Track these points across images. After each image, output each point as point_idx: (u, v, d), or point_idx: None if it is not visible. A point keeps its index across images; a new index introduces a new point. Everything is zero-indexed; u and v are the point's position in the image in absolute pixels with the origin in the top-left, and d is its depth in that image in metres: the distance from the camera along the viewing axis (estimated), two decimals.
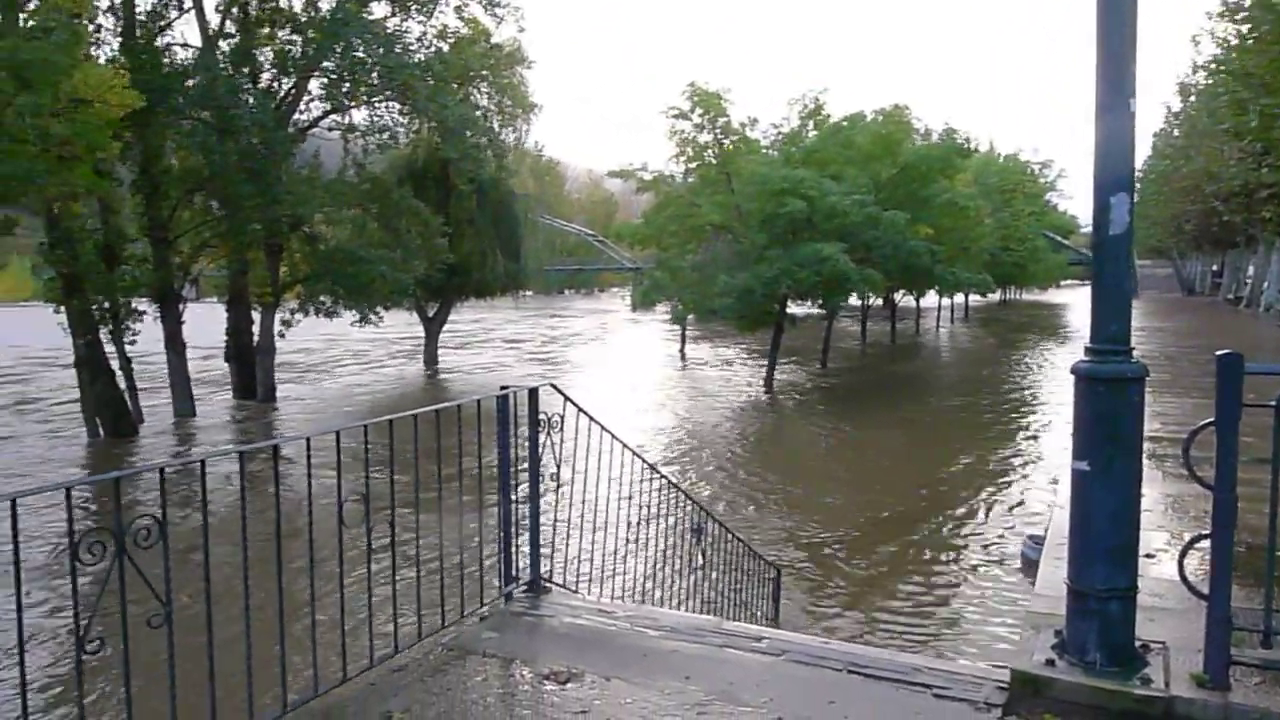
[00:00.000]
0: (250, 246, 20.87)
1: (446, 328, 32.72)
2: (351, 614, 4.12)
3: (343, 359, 31.81)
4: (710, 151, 23.91)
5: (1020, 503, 13.13)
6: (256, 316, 22.63)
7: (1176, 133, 45.76)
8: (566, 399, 4.54)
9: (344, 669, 3.53)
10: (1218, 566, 3.04)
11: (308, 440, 3.39)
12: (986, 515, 12.77)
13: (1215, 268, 60.79)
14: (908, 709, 3.30)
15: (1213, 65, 28.24)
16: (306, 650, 3.48)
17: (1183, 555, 3.23)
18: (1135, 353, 3.28)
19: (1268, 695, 3.02)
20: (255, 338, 22.62)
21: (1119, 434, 3.19)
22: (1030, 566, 5.57)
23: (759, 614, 8.22)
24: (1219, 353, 3.00)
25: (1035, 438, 17.23)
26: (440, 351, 31.35)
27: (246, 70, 20.03)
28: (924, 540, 11.67)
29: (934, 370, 32.72)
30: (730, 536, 7.78)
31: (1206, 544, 3.10)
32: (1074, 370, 3.29)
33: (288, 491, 3.81)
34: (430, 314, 30.39)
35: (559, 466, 4.46)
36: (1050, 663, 3.30)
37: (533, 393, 4.33)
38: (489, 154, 25.29)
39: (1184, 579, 3.20)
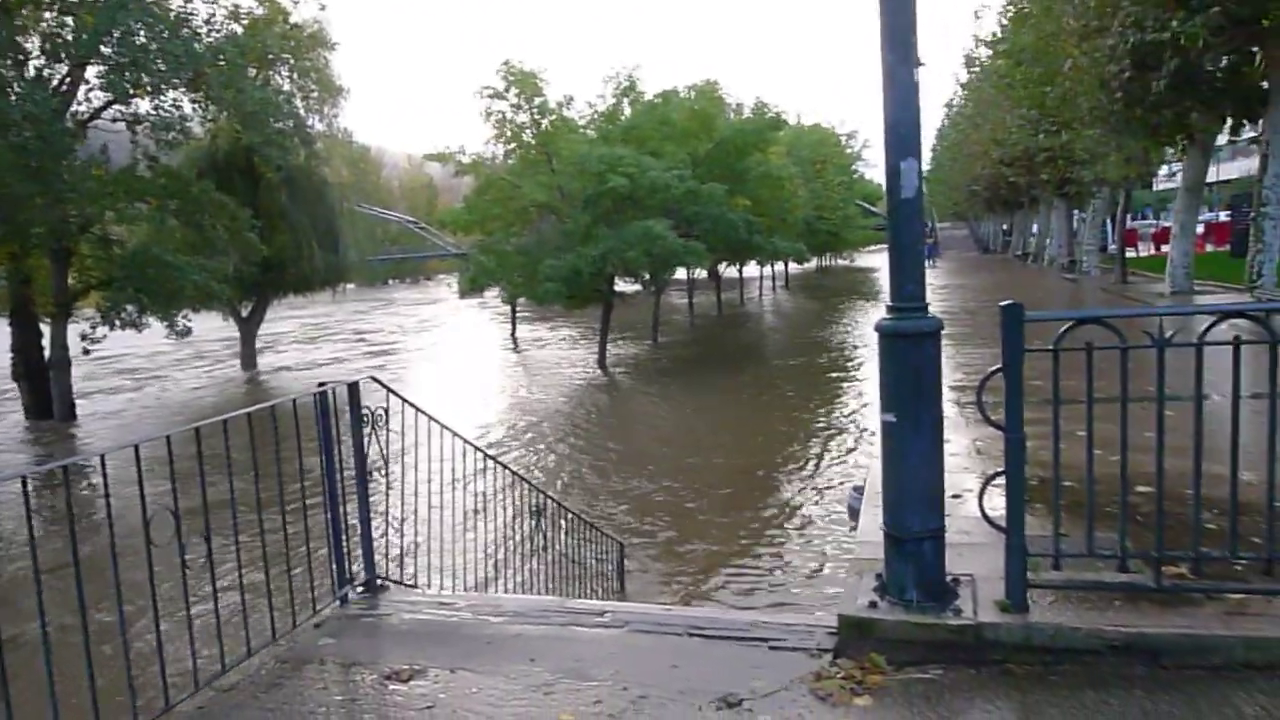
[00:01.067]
0: (33, 252, 19.03)
1: (265, 327, 31.12)
2: (172, 638, 3.88)
3: (154, 369, 29.69)
4: (528, 132, 23.74)
5: (852, 452, 13.83)
6: (48, 330, 20.71)
7: (966, 103, 49.04)
8: (389, 391, 4.41)
9: (165, 697, 3.31)
10: (1012, 501, 3.31)
11: (102, 457, 3.14)
12: (819, 469, 13.39)
13: (1005, 227, 65.73)
14: (746, 663, 3.42)
15: (992, 38, 30.50)
16: (122, 683, 3.24)
17: (982, 493, 3.49)
18: (933, 308, 3.51)
19: (1060, 612, 3.33)
20: (47, 352, 20.71)
21: (921, 385, 3.41)
22: (855, 515, 5.88)
23: (605, 589, 8.31)
24: (1002, 304, 3.25)
25: (861, 394, 18.18)
26: (261, 353, 29.80)
27: (11, 58, 18.16)
28: (763, 500, 12.12)
29: (761, 337, 33.93)
30: (571, 515, 7.81)
31: (1003, 481, 3.37)
32: (877, 328, 3.48)
33: (94, 514, 3.52)
34: (245, 314, 28.76)
35: (386, 461, 4.34)
36: (873, 604, 3.50)
37: (353, 387, 4.18)
38: (295, 141, 24.05)
39: (984, 515, 3.46)
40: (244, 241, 21.45)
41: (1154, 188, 45.72)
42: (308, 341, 37.07)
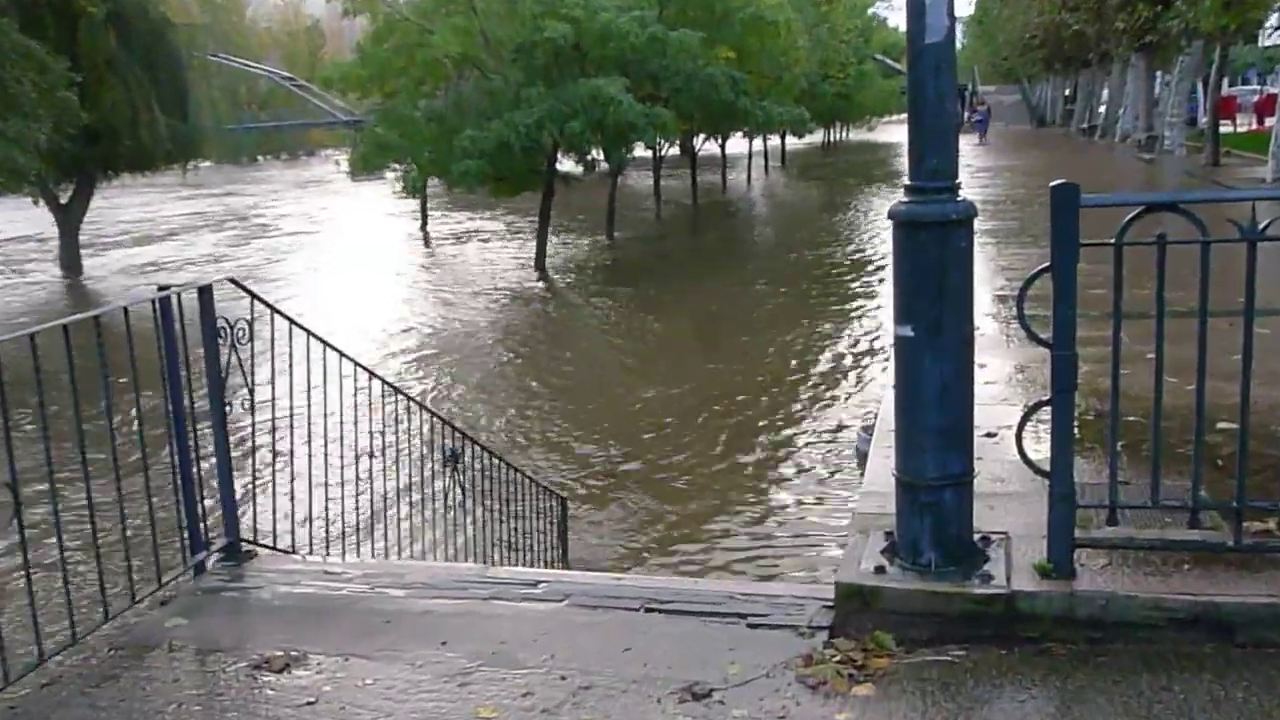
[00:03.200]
0: None
1: (91, 217, 30.45)
2: None
3: None
4: None
5: (862, 386, 14.03)
6: None
7: None
8: (254, 297, 4.36)
9: None
10: (1057, 437, 3.38)
11: None
12: (817, 405, 13.58)
13: (1067, 92, 65.86)
14: (718, 644, 3.50)
15: None
16: None
17: (1020, 427, 3.55)
18: (972, 197, 3.52)
19: (1114, 577, 3.42)
20: None
21: (946, 289, 3.43)
22: (864, 461, 6.01)
23: (543, 555, 8.43)
24: (1053, 184, 3.27)
25: (876, 312, 18.33)
26: (89, 251, 29.24)
27: None
28: (747, 443, 12.28)
29: (746, 235, 33.96)
30: (498, 463, 7.86)
31: (1048, 414, 3.43)
32: (891, 215, 3.49)
33: None
34: (64, 200, 28.09)
35: (251, 391, 4.30)
36: (880, 570, 3.58)
37: (204, 292, 4.12)
38: None
39: (1023, 454, 3.53)
40: (58, 102, 20.79)
41: (1260, 42, 45.80)
42: (149, 236, 36.41)
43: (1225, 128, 33.40)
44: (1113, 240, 3.28)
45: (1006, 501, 4.05)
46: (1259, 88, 52.45)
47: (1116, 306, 3.36)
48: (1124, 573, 3.45)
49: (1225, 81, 33.46)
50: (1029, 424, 3.59)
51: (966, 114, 66.70)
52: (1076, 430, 3.63)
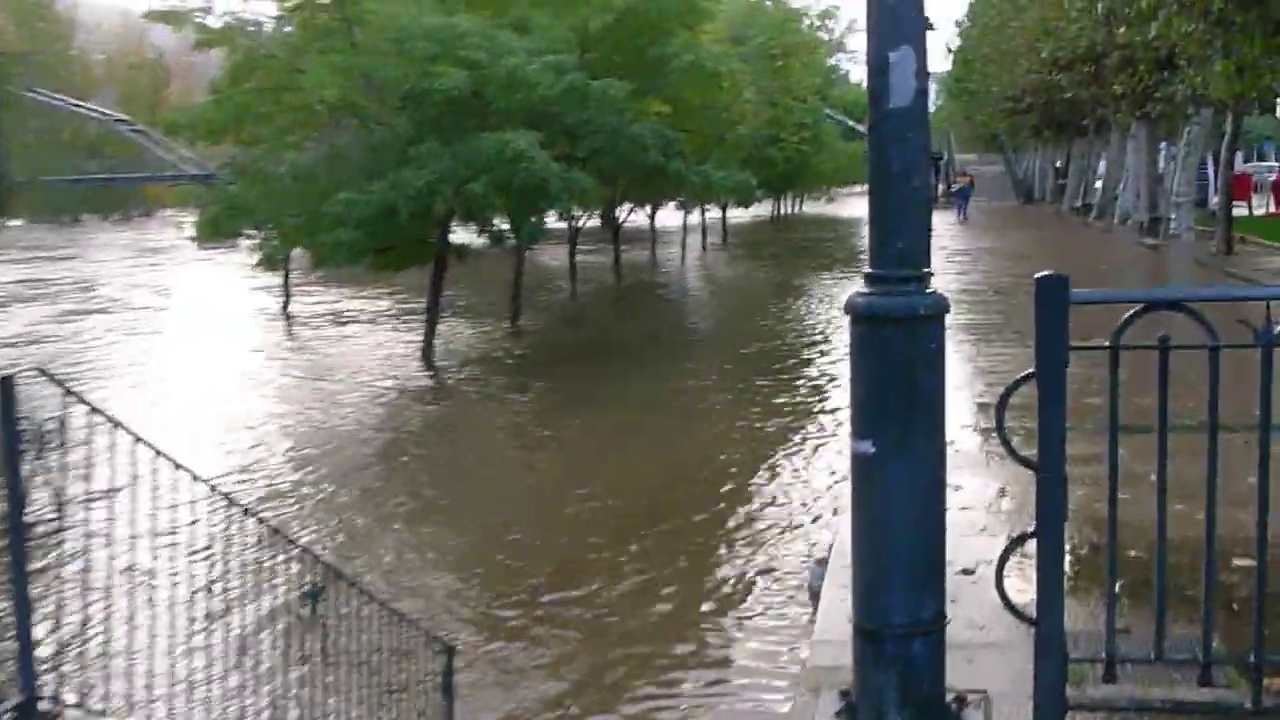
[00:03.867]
0: None
1: None
2: None
3: None
4: None
5: (809, 505, 14.07)
6: None
7: None
8: (68, 391, 4.28)
9: None
10: (1045, 577, 3.42)
11: None
12: (754, 526, 13.55)
13: (1058, 164, 67.86)
14: None
15: None
16: None
17: (1001, 564, 3.60)
18: (949, 285, 3.60)
19: None
20: None
21: (914, 397, 3.49)
22: (816, 599, 6.03)
23: (423, 716, 8.26)
24: (1037, 276, 3.35)
25: (828, 421, 18.47)
26: None
27: None
28: (669, 573, 12.20)
29: (680, 324, 34.11)
30: (370, 602, 7.72)
31: (1034, 548, 3.48)
32: (849, 308, 3.55)
33: None
34: None
35: (62, 508, 4.20)
36: None
37: (4, 384, 4.04)
38: None
39: (1004, 598, 3.57)
40: None
41: (1277, 113, 47.80)
42: None
43: (1239, 209, 34.50)
44: (1108, 343, 3.36)
45: (986, 653, 4.08)
46: (1277, 164, 54.28)
47: (1113, 419, 3.43)
48: None
49: (1239, 156, 34.70)
50: (1012, 559, 3.64)
51: (941, 186, 68.45)
52: (1068, 567, 3.68)
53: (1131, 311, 3.38)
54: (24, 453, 4.10)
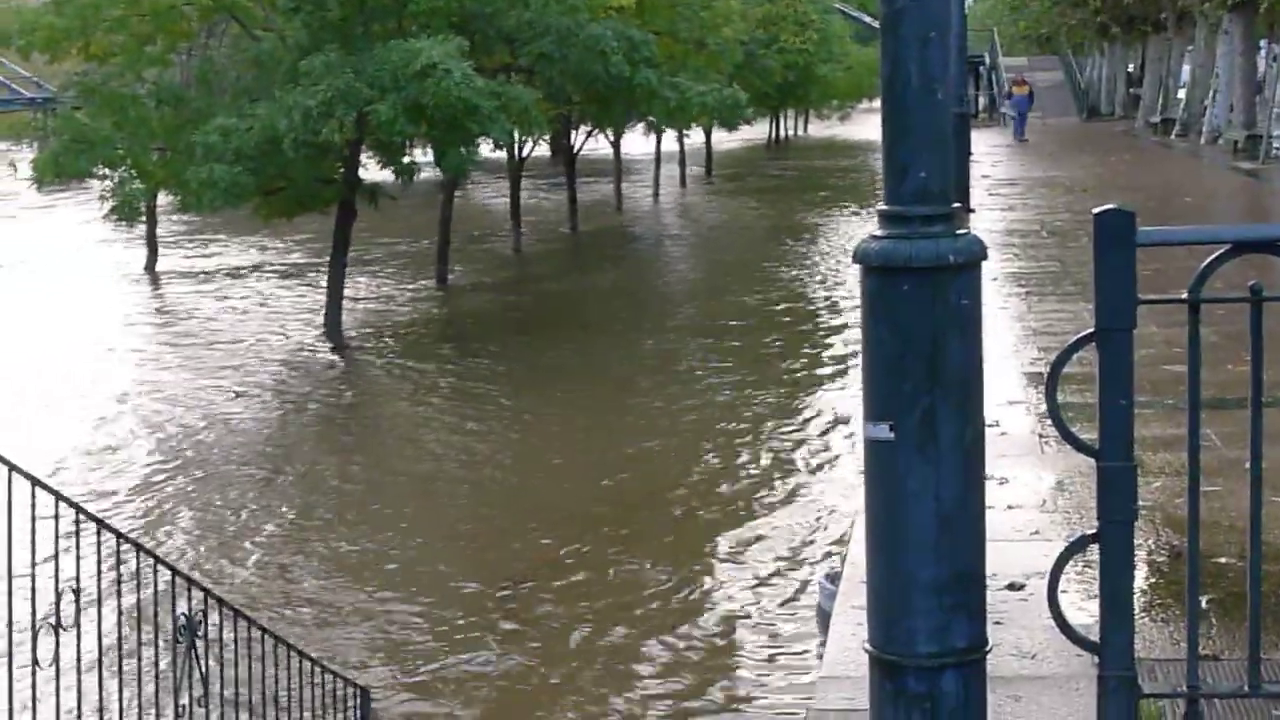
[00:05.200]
0: None
1: None
2: None
3: None
4: None
5: (819, 521, 14.11)
6: None
7: None
8: None
9: None
10: (1110, 592, 3.41)
11: None
12: (747, 521, 13.64)
13: (1131, 70, 67.85)
14: None
15: None
16: None
17: (1054, 576, 3.59)
18: (991, 227, 3.59)
19: None
20: None
21: (942, 368, 3.46)
22: (826, 623, 6.04)
23: None
24: (1096, 210, 3.34)
25: (836, 407, 18.49)
26: None
27: None
28: (633, 587, 12.28)
29: (647, 282, 33.97)
30: (261, 635, 7.75)
31: (1096, 556, 3.48)
32: (859, 256, 3.52)
33: None
34: None
35: None
36: None
37: None
38: None
39: (1059, 620, 3.56)
40: None
41: None
42: None
43: None
44: (1186, 296, 3.35)
45: (1038, 688, 4.08)
46: None
47: (1193, 392, 3.43)
48: None
49: None
50: (1070, 569, 3.64)
51: (983, 99, 68.45)
52: (1140, 579, 3.69)
53: (1216, 254, 3.36)
54: None
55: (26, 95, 61.42)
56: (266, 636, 7.85)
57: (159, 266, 33.91)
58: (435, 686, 10.85)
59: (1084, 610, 3.61)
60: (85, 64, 26.28)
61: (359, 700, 9.01)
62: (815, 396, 19.00)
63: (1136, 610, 3.51)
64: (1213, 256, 3.36)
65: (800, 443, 16.81)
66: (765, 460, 16.45)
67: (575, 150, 39.50)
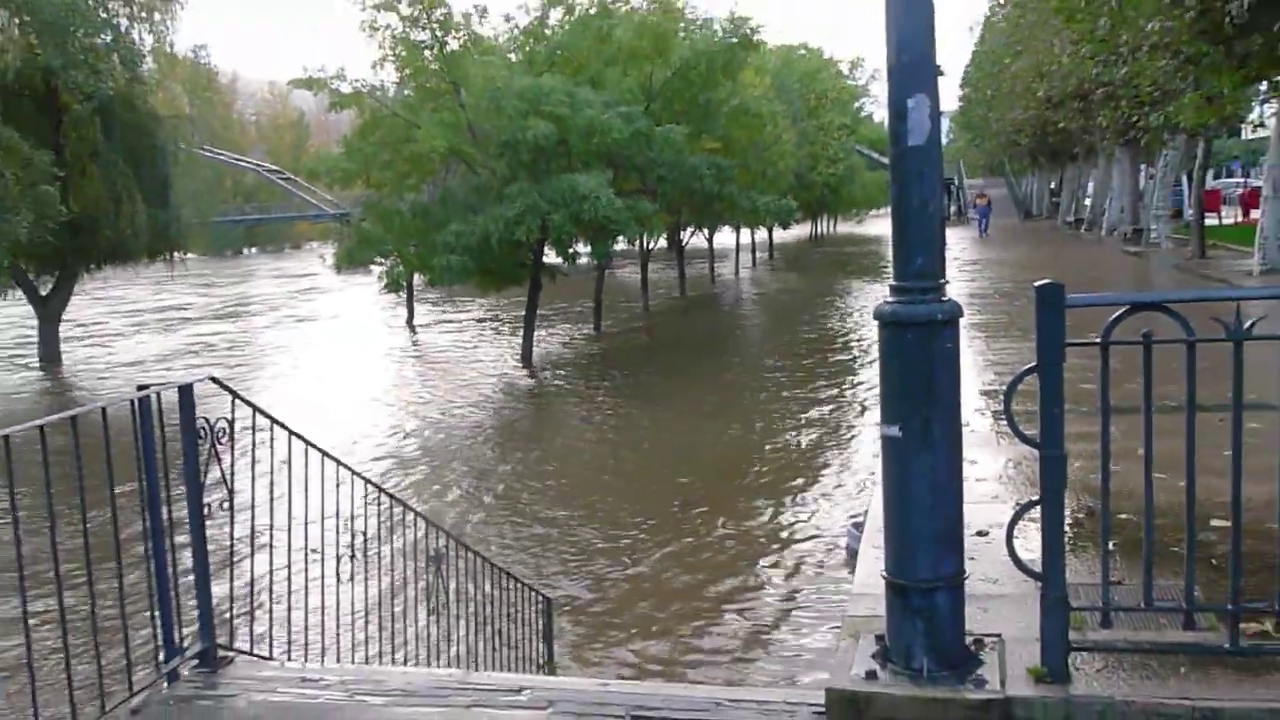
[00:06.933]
0: None
1: (72, 309, 30.54)
2: None
3: None
4: (428, 53, 23.57)
5: (854, 484, 14.02)
6: None
7: (1002, 23, 49.81)
8: (237, 396, 4.36)
9: None
10: (1048, 538, 3.38)
11: None
12: (806, 498, 13.58)
13: (1053, 186, 66.87)
14: None
15: None
16: None
17: (1011, 528, 3.55)
18: (959, 291, 3.57)
19: (1110, 681, 3.40)
20: None
21: (935, 389, 3.45)
22: (854, 558, 5.99)
23: (526, 658, 8.32)
24: (1036, 284, 3.31)
25: (865, 404, 18.40)
26: (66, 345, 29.24)
27: None
28: (736, 539, 12.23)
29: (735, 327, 34.21)
30: (483, 563, 7.80)
31: (1039, 514, 3.44)
32: (877, 315, 3.53)
33: None
34: (44, 292, 28.17)
35: (231, 492, 4.28)
36: (871, 675, 3.54)
37: (184, 390, 4.12)
38: (114, 60, 23.60)
39: (1014, 557, 3.52)
40: (39, 196, 21.01)
41: (1242, 135, 46.78)
42: (129, 329, 36.47)
43: (1211, 220, 33.83)
44: (1099, 339, 3.33)
45: (999, 603, 4.03)
46: (1243, 181, 53.26)
47: (1104, 404, 3.39)
48: (1120, 677, 3.42)
49: (1210, 175, 34.02)
50: (1020, 523, 3.60)
51: (953, 207, 67.59)
52: (1068, 529, 3.63)
53: (1119, 312, 3.34)
54: (200, 444, 4.18)
55: (330, 211, 62.63)
56: (484, 563, 7.91)
57: (415, 320, 34.49)
58: (593, 595, 10.91)
59: (1029, 551, 3.53)
60: (367, 190, 26.90)
61: (545, 606, 9.03)
62: (850, 397, 19.00)
63: (1066, 551, 3.45)
64: (1117, 313, 3.33)
65: (838, 429, 16.83)
66: (815, 439, 16.52)
67: (683, 242, 39.71)
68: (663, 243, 38.46)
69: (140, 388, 3.99)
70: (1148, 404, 3.38)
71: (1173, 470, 3.52)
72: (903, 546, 3.55)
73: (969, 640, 3.63)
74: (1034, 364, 3.34)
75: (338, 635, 5.88)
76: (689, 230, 38.81)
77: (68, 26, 20.45)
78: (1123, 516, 4.40)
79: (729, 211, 31.25)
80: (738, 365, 24.93)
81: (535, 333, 25.54)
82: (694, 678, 8.55)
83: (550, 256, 25.23)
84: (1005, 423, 3.63)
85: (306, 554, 5.33)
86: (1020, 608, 3.88)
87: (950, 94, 69.28)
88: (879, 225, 74.07)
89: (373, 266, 26.33)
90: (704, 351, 26.34)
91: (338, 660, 5.96)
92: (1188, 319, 3.31)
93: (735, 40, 26.70)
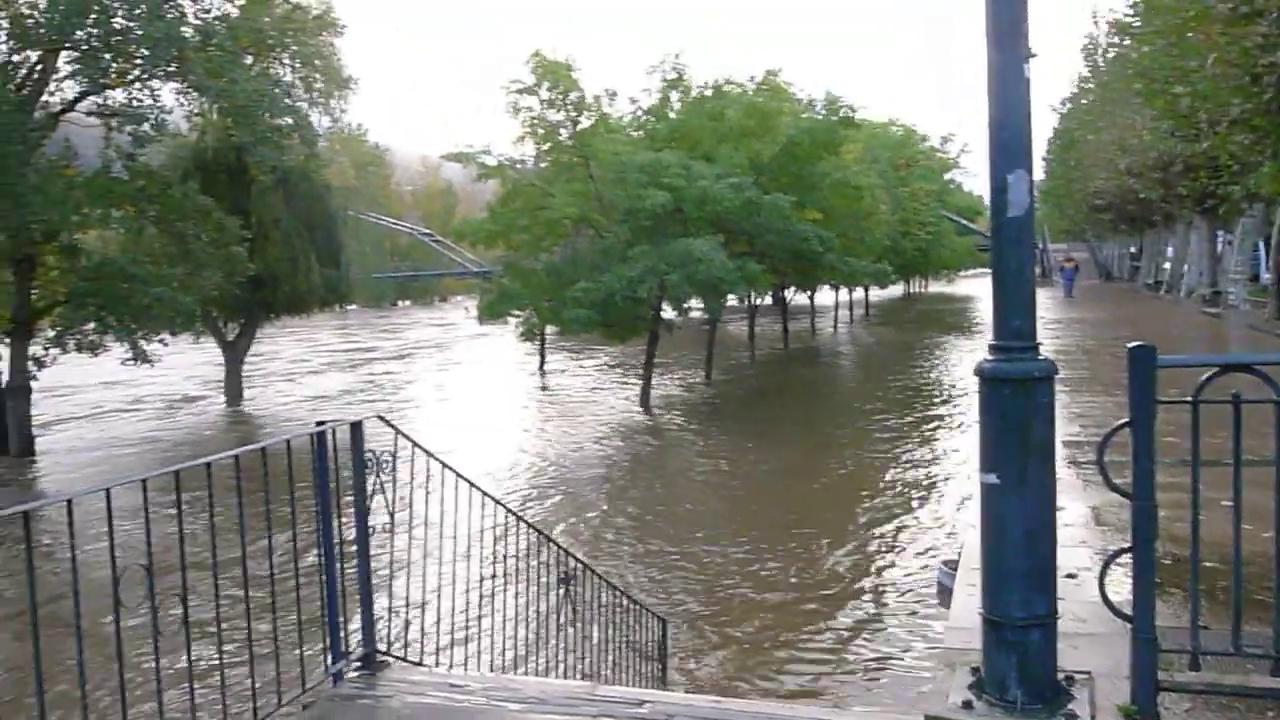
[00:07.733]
0: None
1: (254, 354, 31.68)
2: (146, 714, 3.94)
3: (125, 401, 30.32)
4: (563, 131, 24.02)
5: (942, 523, 13.69)
6: (5, 351, 21.27)
7: (1085, 99, 48.69)
8: (399, 433, 4.47)
9: None
10: (1139, 583, 3.26)
11: (69, 503, 3.21)
12: (902, 537, 13.27)
13: (1133, 250, 64.84)
14: None
15: (1116, 24, 30.25)
16: None
17: (1103, 573, 3.44)
18: (1045, 348, 3.49)
19: None
20: (4, 376, 21.26)
21: (1030, 440, 3.38)
22: (946, 595, 5.83)
23: (644, 673, 8.27)
24: (1130, 345, 3.22)
25: (957, 450, 17.98)
26: (248, 383, 30.30)
27: None
28: (834, 574, 12.01)
29: (834, 377, 33.81)
30: (606, 585, 7.81)
31: (1129, 559, 3.32)
32: (978, 371, 3.47)
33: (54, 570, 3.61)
34: (231, 337, 29.29)
35: (392, 516, 4.38)
36: (968, 705, 3.45)
37: (355, 427, 4.25)
38: (295, 139, 24.60)
39: (1105, 599, 3.40)
40: (230, 255, 21.91)
41: None
42: (304, 371, 37.64)
43: None
44: (1190, 398, 3.22)
45: (1088, 642, 3.89)
46: None
47: (1195, 458, 3.28)
48: (1207, 718, 3.27)
49: None
50: (1109, 568, 3.48)
51: (1039, 270, 66.05)
52: (1157, 575, 3.50)
53: (1210, 373, 3.22)
54: (367, 474, 4.29)
55: (473, 269, 63.99)
56: (608, 586, 7.91)
57: (546, 366, 34.89)
58: (704, 618, 10.80)
59: (1117, 594, 3.41)
60: (506, 251, 27.42)
61: (661, 626, 8.98)
62: (940, 457, 18.55)
63: (1155, 595, 3.33)
64: (1208, 374, 3.22)
65: (933, 483, 16.41)
66: (909, 481, 16.16)
67: (786, 299, 39.50)
68: (768, 299, 38.18)
69: (318, 424, 4.12)
70: (1237, 459, 3.26)
71: (1258, 521, 3.37)
72: (998, 586, 3.46)
73: (1061, 675, 3.51)
74: (1126, 419, 3.25)
75: (479, 645, 5.94)
76: (792, 289, 38.58)
77: (257, 110, 21.30)
78: (1208, 564, 4.22)
79: (829, 273, 31.04)
80: (835, 410, 24.63)
81: (652, 379, 25.60)
82: (796, 697, 8.40)
83: (667, 312, 25.37)
84: (1091, 469, 3.53)
85: (454, 573, 5.40)
86: (1108, 647, 3.74)
87: (1038, 166, 67.92)
88: (968, 285, 72.74)
89: (509, 318, 26.79)
90: (806, 400, 26.10)
91: (479, 668, 6.02)
92: (1275, 380, 3.18)
93: (836, 119, 26.75)
